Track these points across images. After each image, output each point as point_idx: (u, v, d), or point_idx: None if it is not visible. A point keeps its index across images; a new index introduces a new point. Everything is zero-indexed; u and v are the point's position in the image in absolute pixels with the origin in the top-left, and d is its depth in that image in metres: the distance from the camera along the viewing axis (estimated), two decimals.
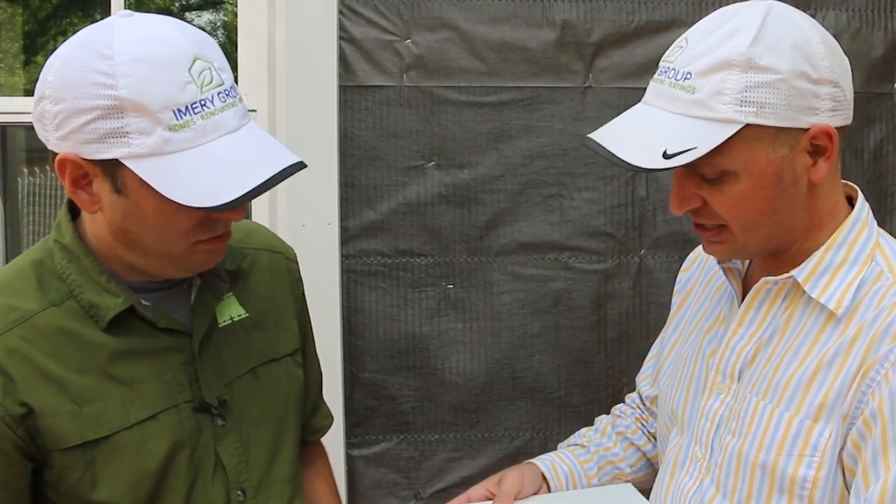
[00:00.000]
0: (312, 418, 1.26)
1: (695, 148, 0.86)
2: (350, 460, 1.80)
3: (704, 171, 0.90)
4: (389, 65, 1.75)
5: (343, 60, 1.74)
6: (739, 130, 0.86)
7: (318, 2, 1.71)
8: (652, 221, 1.81)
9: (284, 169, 0.88)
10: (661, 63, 0.93)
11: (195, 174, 0.86)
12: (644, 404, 1.29)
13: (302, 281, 1.22)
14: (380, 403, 1.79)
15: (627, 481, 1.25)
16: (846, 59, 0.93)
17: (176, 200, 0.85)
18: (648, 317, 1.82)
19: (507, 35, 1.76)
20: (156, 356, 0.98)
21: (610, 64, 1.78)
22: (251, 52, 1.77)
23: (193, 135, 0.86)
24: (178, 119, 0.85)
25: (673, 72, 0.91)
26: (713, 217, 0.93)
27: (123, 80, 0.84)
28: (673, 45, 0.94)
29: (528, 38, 1.76)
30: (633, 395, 1.33)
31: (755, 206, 0.90)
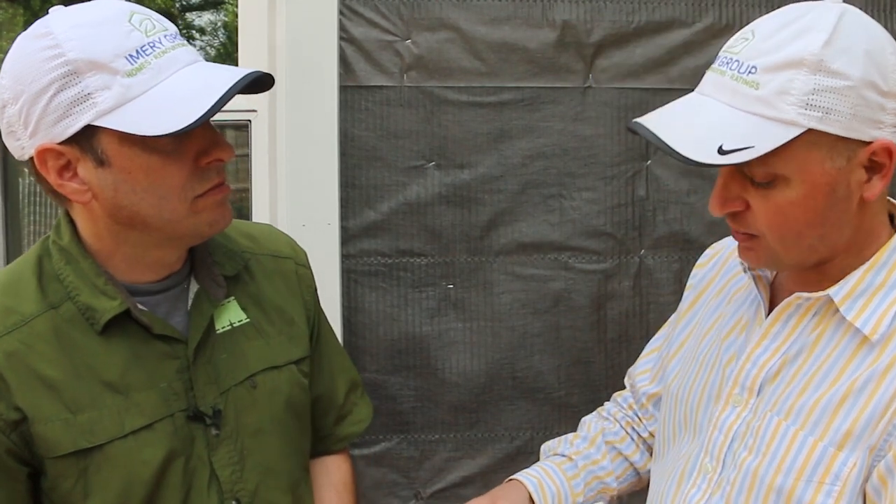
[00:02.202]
0: (337, 427, 1.22)
1: (752, 147, 0.81)
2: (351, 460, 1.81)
3: (755, 174, 0.85)
4: (389, 65, 1.75)
5: (343, 60, 1.74)
6: (800, 135, 0.81)
7: (318, 2, 1.71)
8: (652, 221, 1.81)
9: (244, 76, 0.89)
10: (721, 53, 0.88)
11: (163, 107, 0.86)
12: (638, 403, 1.24)
13: (315, 287, 1.19)
14: (380, 403, 1.79)
15: (613, 496, 1.21)
16: None
17: (150, 134, 0.85)
18: (648, 317, 1.82)
19: (507, 35, 1.76)
20: (151, 363, 0.97)
21: (610, 64, 1.78)
22: (251, 52, 1.77)
23: (151, 74, 0.87)
24: (132, 63, 0.86)
25: (737, 63, 0.84)
26: (749, 225, 0.89)
27: (69, 45, 0.85)
28: (736, 37, 0.88)
29: (528, 38, 1.76)
30: (625, 393, 1.28)
31: (803, 216, 0.85)
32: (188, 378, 0.99)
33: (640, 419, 1.24)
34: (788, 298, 0.93)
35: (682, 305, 1.16)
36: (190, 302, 1.02)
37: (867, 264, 0.89)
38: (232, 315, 1.05)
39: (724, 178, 0.89)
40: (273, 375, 1.07)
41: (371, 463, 1.80)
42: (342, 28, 1.73)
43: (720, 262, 1.13)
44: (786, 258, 0.90)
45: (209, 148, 0.92)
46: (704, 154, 0.82)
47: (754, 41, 0.84)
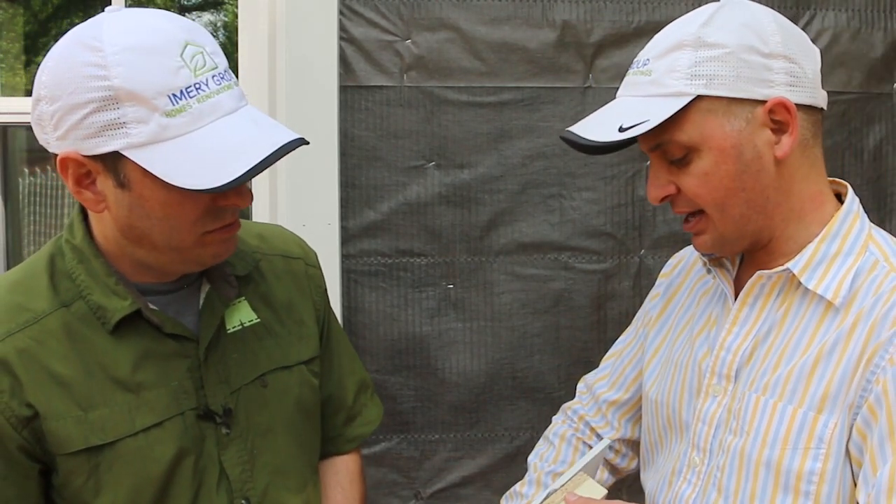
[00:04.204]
0: (347, 427, 1.21)
1: (647, 120, 0.89)
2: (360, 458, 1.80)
3: (672, 153, 0.93)
4: (389, 65, 1.75)
5: (343, 60, 1.74)
6: (693, 103, 0.90)
7: (318, 2, 1.71)
8: (652, 221, 1.81)
9: (284, 146, 0.87)
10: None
11: (195, 158, 0.85)
12: (595, 410, 1.24)
13: (325, 287, 1.19)
14: None
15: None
16: (809, 43, 0.95)
17: (178, 185, 0.84)
18: None
19: (507, 35, 1.76)
20: (162, 361, 0.97)
21: (610, 64, 1.78)
22: (251, 52, 1.77)
23: (190, 119, 0.85)
24: (173, 104, 0.85)
25: (637, 63, 0.96)
26: (689, 203, 0.95)
27: (116, 70, 0.84)
28: None
29: (528, 38, 1.76)
30: (576, 405, 1.28)
31: (721, 183, 0.91)
32: (199, 377, 0.99)
33: (592, 430, 1.24)
34: (752, 279, 0.97)
35: (652, 313, 1.18)
36: (201, 302, 1.02)
37: (820, 235, 0.94)
38: (243, 315, 1.05)
39: (654, 169, 0.97)
40: (283, 375, 1.07)
41: (371, 463, 1.80)
42: (342, 28, 1.74)
43: (686, 269, 1.16)
44: (726, 231, 0.95)
45: (228, 192, 0.91)
46: (608, 135, 0.92)
47: (652, 42, 0.96)
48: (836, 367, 0.88)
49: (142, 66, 0.84)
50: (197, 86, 0.86)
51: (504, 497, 1.25)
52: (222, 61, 0.90)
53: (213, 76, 0.88)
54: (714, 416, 0.98)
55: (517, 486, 1.25)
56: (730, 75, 0.89)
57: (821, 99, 0.95)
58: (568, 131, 0.96)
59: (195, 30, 0.90)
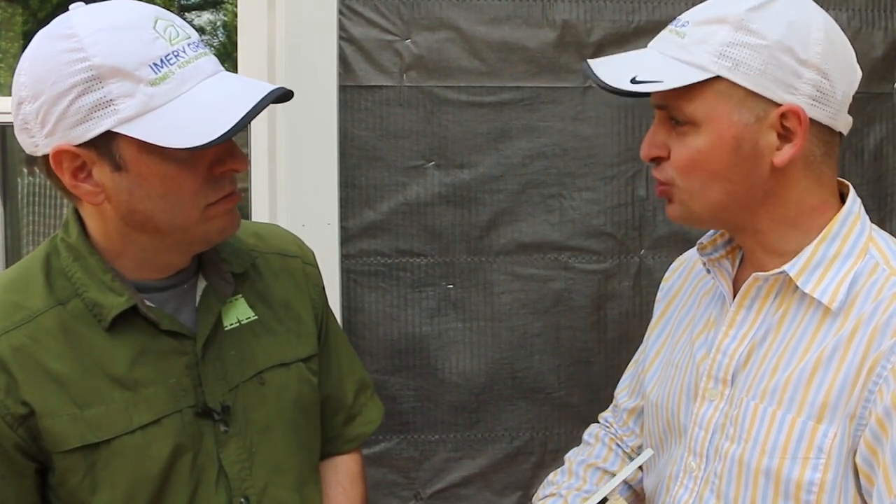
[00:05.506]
0: (347, 427, 1.21)
1: (661, 81, 0.89)
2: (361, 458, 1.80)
3: (676, 116, 0.92)
4: (389, 65, 1.75)
5: (343, 60, 1.74)
6: (711, 81, 0.88)
7: (318, 2, 1.71)
8: (652, 221, 1.81)
9: (270, 92, 0.89)
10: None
11: (186, 119, 0.86)
12: (620, 420, 1.25)
13: (323, 285, 1.19)
14: None
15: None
16: (853, 65, 0.92)
17: (175, 146, 0.85)
18: (648, 317, 1.81)
19: (507, 35, 1.76)
20: (160, 358, 0.97)
21: None
22: (251, 52, 1.77)
23: (175, 84, 0.87)
24: (156, 73, 0.86)
25: (677, 21, 0.94)
26: (665, 173, 0.94)
27: (93, 49, 0.85)
28: None
29: (528, 38, 1.76)
30: (606, 414, 1.29)
31: (708, 166, 0.90)
32: (197, 374, 0.99)
33: (621, 436, 1.24)
34: (748, 281, 0.96)
35: (653, 319, 1.18)
36: (198, 299, 1.02)
37: (818, 238, 0.92)
38: (240, 312, 1.06)
39: (655, 126, 0.95)
40: (281, 373, 1.07)
41: (371, 463, 1.80)
42: (342, 28, 1.73)
43: (686, 272, 1.15)
44: (696, 209, 0.94)
45: (224, 157, 0.93)
46: (620, 82, 0.91)
47: (701, 5, 0.93)
48: (836, 374, 0.86)
49: (118, 41, 0.86)
50: (175, 53, 0.88)
51: (539, 490, 1.26)
52: (194, 33, 0.92)
53: (188, 44, 0.90)
54: (711, 421, 0.97)
55: (550, 476, 1.25)
56: (757, 68, 0.87)
57: (842, 123, 0.92)
58: (587, 65, 0.95)
59: (161, 9, 0.92)
